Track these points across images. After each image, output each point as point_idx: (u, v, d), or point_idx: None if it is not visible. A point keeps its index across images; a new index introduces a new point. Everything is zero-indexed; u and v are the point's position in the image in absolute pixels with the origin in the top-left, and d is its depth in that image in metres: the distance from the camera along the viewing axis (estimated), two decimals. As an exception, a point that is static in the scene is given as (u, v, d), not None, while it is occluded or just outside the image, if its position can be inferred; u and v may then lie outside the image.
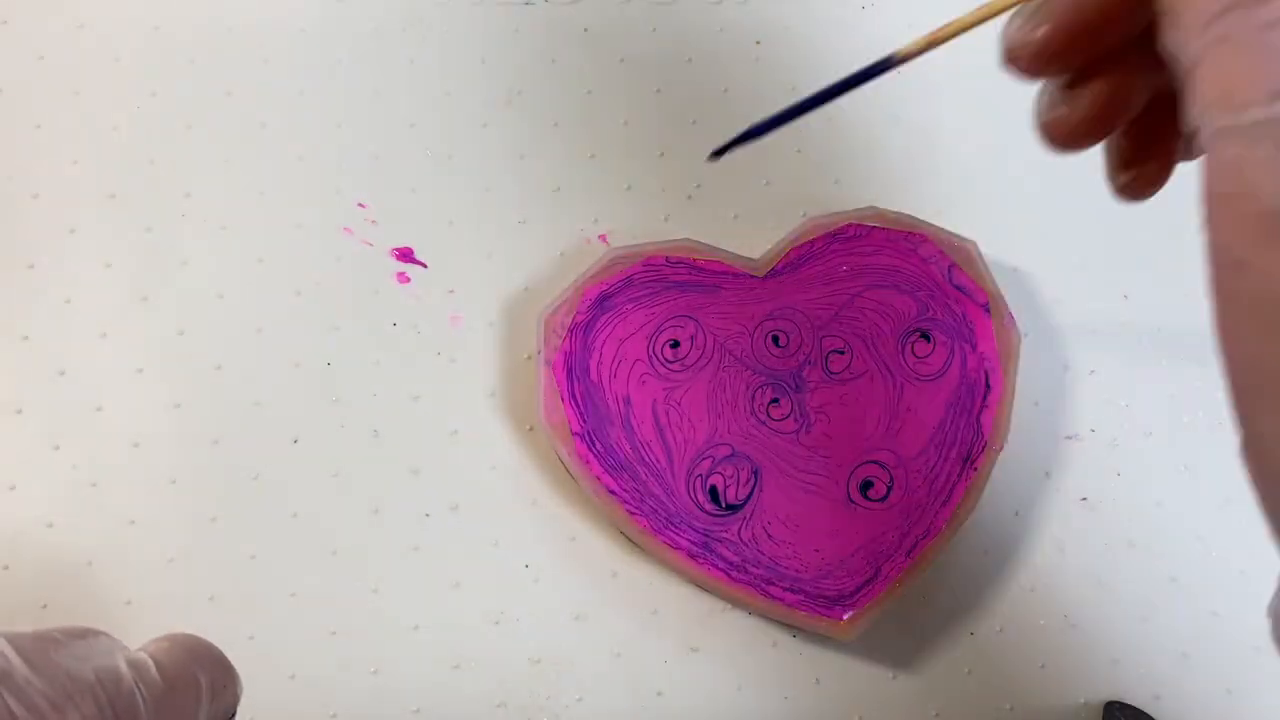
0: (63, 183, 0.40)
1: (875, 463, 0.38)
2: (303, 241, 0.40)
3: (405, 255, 0.40)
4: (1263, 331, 0.19)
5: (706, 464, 0.37)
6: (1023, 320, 0.40)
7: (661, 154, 0.42)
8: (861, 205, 0.40)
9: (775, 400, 0.38)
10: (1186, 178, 0.23)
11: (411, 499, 0.38)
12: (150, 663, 0.24)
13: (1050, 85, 0.25)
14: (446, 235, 0.40)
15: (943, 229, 0.39)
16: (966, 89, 0.42)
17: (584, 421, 0.37)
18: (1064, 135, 0.24)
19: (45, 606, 0.36)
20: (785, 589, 0.36)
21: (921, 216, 0.39)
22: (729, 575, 0.37)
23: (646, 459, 0.37)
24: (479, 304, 0.40)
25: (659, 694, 0.37)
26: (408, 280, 0.40)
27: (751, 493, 0.37)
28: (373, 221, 0.40)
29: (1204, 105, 0.19)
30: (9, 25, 0.41)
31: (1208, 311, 0.20)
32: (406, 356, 0.39)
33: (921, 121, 0.43)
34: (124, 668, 0.23)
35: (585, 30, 0.43)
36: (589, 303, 0.38)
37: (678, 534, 0.37)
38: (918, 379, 0.38)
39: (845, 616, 0.36)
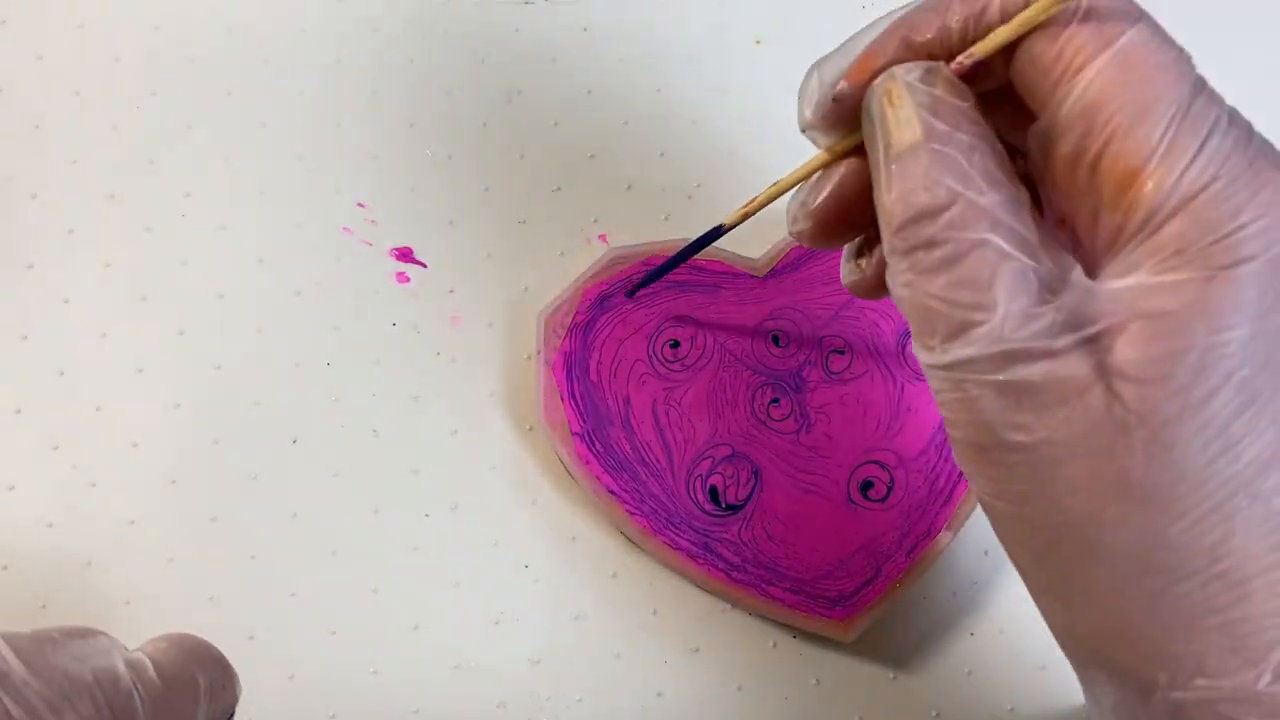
0: (62, 182, 0.40)
1: (876, 463, 0.38)
2: (302, 241, 0.40)
3: (405, 255, 0.40)
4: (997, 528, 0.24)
5: (706, 464, 0.37)
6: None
7: (661, 154, 0.42)
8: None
9: (775, 400, 0.38)
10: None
11: (411, 499, 0.38)
12: (148, 663, 0.24)
13: (846, 251, 0.29)
14: (446, 235, 0.40)
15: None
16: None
17: (584, 421, 0.37)
18: (866, 293, 0.28)
19: (44, 606, 0.36)
20: (785, 589, 0.36)
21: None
22: (729, 575, 0.36)
23: (646, 459, 0.37)
24: (479, 304, 0.40)
25: (659, 694, 0.37)
26: (407, 280, 0.40)
27: (751, 493, 0.37)
28: (372, 221, 0.40)
29: (913, 336, 0.23)
30: (8, 25, 0.41)
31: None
32: (406, 356, 0.39)
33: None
34: (122, 668, 0.23)
35: (585, 30, 0.43)
36: (589, 303, 0.38)
37: (678, 534, 0.37)
38: (918, 379, 0.38)
39: (845, 617, 0.36)
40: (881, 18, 0.25)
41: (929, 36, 0.24)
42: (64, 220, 0.39)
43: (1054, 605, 0.24)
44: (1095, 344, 0.21)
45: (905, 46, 0.24)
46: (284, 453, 0.38)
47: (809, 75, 0.26)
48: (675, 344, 0.38)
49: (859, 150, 0.26)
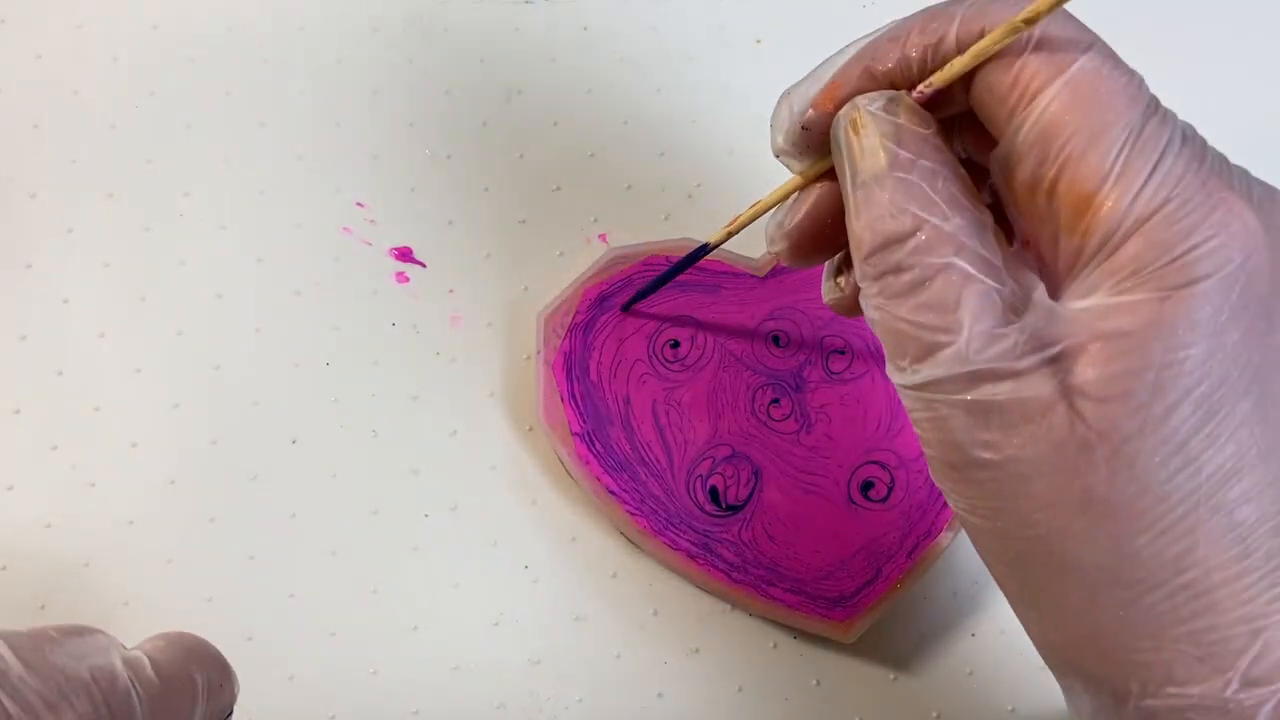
0: (61, 182, 0.40)
1: (876, 463, 0.38)
2: (302, 241, 0.40)
3: (404, 255, 0.40)
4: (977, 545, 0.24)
5: (706, 464, 0.37)
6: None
7: (661, 154, 0.42)
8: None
9: (775, 400, 0.38)
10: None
11: (411, 499, 0.38)
12: (146, 661, 0.24)
13: (826, 270, 0.30)
14: (446, 235, 0.40)
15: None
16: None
17: (584, 422, 0.37)
18: (846, 310, 0.29)
19: (43, 607, 0.36)
20: (786, 590, 0.36)
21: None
22: (729, 576, 0.36)
23: (646, 459, 0.37)
24: (479, 304, 0.40)
25: (659, 695, 0.37)
26: (407, 280, 0.40)
27: (752, 493, 0.37)
28: (372, 221, 0.40)
29: (886, 358, 0.24)
30: (7, 24, 0.41)
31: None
32: (406, 357, 0.39)
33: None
34: (119, 666, 0.23)
35: (585, 29, 0.43)
36: (589, 303, 0.38)
37: (678, 534, 0.37)
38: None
39: (846, 618, 0.36)
40: (849, 44, 0.25)
41: (889, 66, 0.25)
42: (63, 220, 0.39)
43: (1029, 615, 0.24)
44: (1057, 364, 0.22)
45: (868, 76, 0.25)
46: (283, 453, 0.38)
47: (779, 103, 0.27)
48: (675, 344, 0.38)
49: (831, 174, 0.27)
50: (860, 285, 0.24)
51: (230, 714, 0.27)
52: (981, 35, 0.23)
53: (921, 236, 0.23)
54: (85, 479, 0.37)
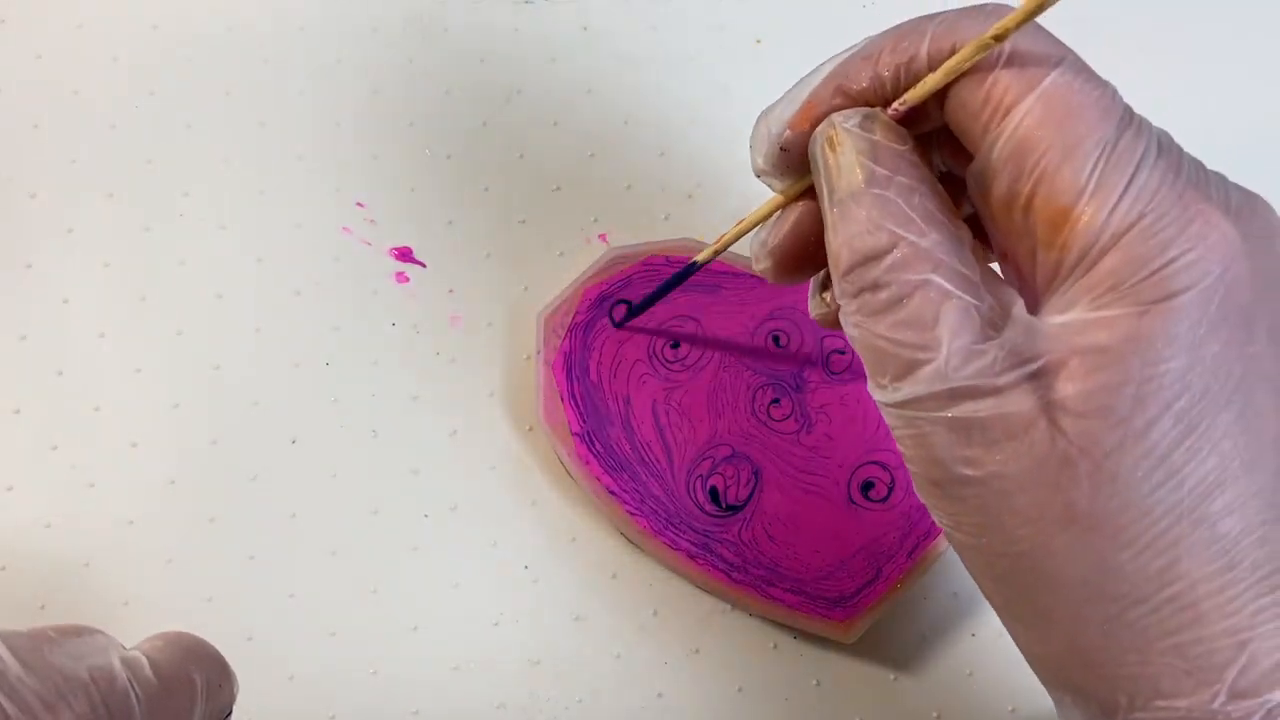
0: (61, 182, 0.40)
1: (876, 463, 0.38)
2: (301, 241, 0.40)
3: (404, 255, 0.40)
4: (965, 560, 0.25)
5: (707, 464, 0.37)
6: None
7: (661, 153, 0.42)
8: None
9: (776, 400, 0.38)
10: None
11: (411, 499, 0.38)
12: (145, 661, 0.24)
13: (812, 285, 0.30)
14: (446, 235, 0.40)
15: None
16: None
17: (584, 422, 0.37)
18: (832, 324, 0.28)
19: (43, 607, 0.36)
20: (786, 590, 0.36)
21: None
22: (729, 576, 0.36)
23: (646, 459, 0.37)
24: (479, 304, 0.40)
25: (659, 695, 0.37)
26: (407, 280, 0.40)
27: (752, 493, 0.37)
28: (371, 221, 0.40)
29: (868, 375, 0.24)
30: (7, 24, 0.41)
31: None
32: (406, 356, 0.39)
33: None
34: (118, 666, 0.23)
35: (585, 29, 0.43)
36: (589, 303, 0.38)
37: (678, 535, 0.37)
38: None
39: (846, 618, 0.36)
40: (823, 63, 0.25)
41: (863, 85, 0.24)
42: (63, 220, 0.39)
43: (1016, 629, 0.24)
44: (1038, 379, 0.22)
45: (843, 94, 0.25)
46: (283, 453, 0.38)
47: (757, 124, 0.27)
48: (675, 344, 0.38)
49: (812, 192, 0.26)
50: (839, 303, 0.24)
51: (230, 714, 0.27)
52: (953, 52, 0.23)
53: (898, 253, 0.23)
54: (85, 479, 0.37)
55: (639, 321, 0.38)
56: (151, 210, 0.40)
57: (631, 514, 0.37)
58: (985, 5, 0.24)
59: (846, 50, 0.25)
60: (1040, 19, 0.22)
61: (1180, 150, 0.23)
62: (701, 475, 0.37)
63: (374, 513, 0.38)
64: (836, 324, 0.29)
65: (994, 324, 0.22)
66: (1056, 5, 0.22)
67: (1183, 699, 0.21)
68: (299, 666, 0.36)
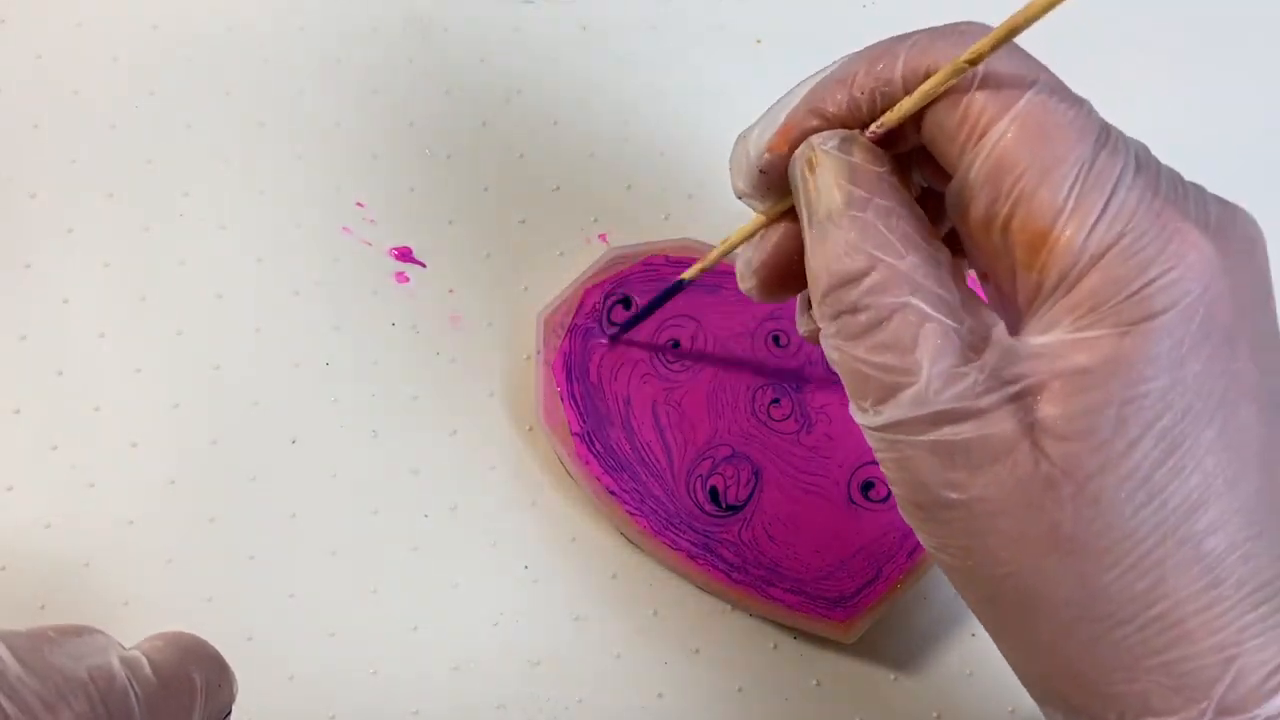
0: (61, 182, 0.40)
1: (876, 463, 0.38)
2: (301, 241, 0.40)
3: (404, 255, 0.40)
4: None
5: (707, 464, 0.37)
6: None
7: (661, 154, 0.42)
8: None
9: (776, 400, 0.38)
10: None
11: (411, 499, 0.38)
12: (144, 661, 0.24)
13: (800, 303, 0.30)
14: (446, 235, 0.40)
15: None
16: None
17: (584, 422, 0.37)
18: (819, 341, 0.28)
19: (43, 607, 0.36)
20: (786, 590, 0.36)
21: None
22: (729, 576, 0.36)
23: (646, 459, 0.37)
24: (479, 304, 0.40)
25: (659, 695, 0.37)
26: (407, 280, 0.40)
27: (752, 493, 0.37)
28: (371, 221, 0.40)
29: (849, 397, 0.24)
30: (7, 24, 0.41)
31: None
32: (406, 356, 0.39)
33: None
34: (117, 666, 0.23)
35: (585, 29, 0.43)
36: (587, 308, 0.38)
37: (678, 535, 0.37)
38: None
39: (846, 618, 0.36)
40: (800, 84, 0.25)
41: (840, 108, 0.25)
42: (62, 220, 0.39)
43: (1005, 646, 0.24)
44: (1019, 401, 0.22)
45: (820, 117, 0.25)
46: (283, 453, 0.38)
47: (736, 147, 0.27)
48: (676, 344, 0.38)
49: (793, 212, 0.26)
50: (819, 325, 0.24)
51: (229, 714, 0.27)
52: (927, 74, 0.23)
53: (876, 276, 0.23)
54: (85, 479, 0.37)
55: (636, 333, 0.38)
56: (151, 210, 0.40)
57: (631, 514, 0.37)
58: (959, 25, 0.24)
59: (821, 71, 0.25)
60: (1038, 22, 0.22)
61: (1158, 164, 0.23)
62: (701, 475, 0.37)
63: (374, 513, 0.38)
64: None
65: (974, 346, 0.22)
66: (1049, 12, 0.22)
67: (1172, 716, 0.22)
68: (299, 666, 0.36)
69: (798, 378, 0.38)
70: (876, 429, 0.23)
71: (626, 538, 0.37)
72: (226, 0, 0.42)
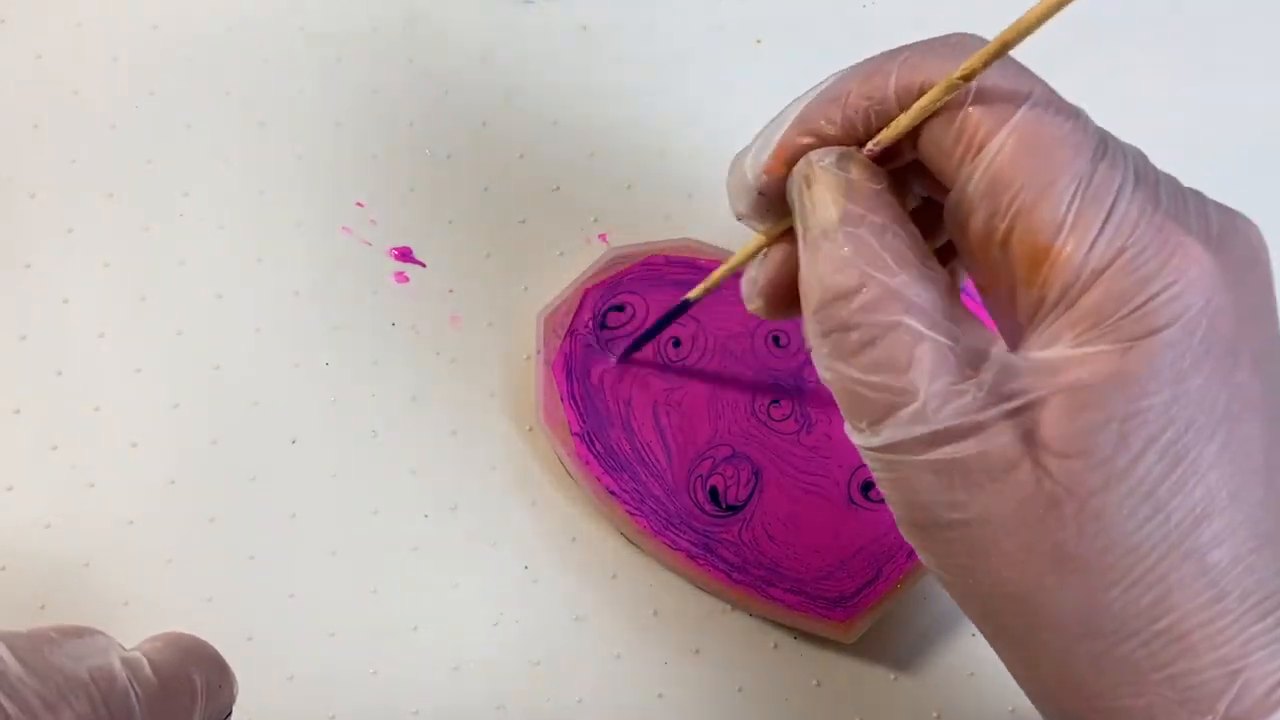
0: (61, 182, 0.40)
1: (876, 463, 0.38)
2: (301, 241, 0.40)
3: (404, 255, 0.40)
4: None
5: (707, 465, 0.37)
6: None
7: (661, 154, 0.42)
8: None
9: (776, 401, 0.38)
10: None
11: (411, 499, 0.38)
12: (145, 661, 0.24)
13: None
14: (446, 235, 0.40)
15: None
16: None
17: (584, 422, 0.37)
18: None
19: (43, 607, 0.36)
20: (786, 590, 0.36)
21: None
22: (729, 576, 0.36)
23: (646, 459, 0.37)
24: (479, 304, 0.40)
25: (659, 696, 0.37)
26: (406, 280, 0.40)
27: (752, 493, 0.37)
28: (372, 221, 0.40)
29: (844, 420, 0.24)
30: (6, 24, 0.41)
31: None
32: (405, 357, 0.39)
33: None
34: (118, 666, 0.23)
35: (585, 29, 0.43)
36: (586, 315, 0.38)
37: (678, 535, 0.37)
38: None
39: (846, 618, 0.36)
40: (793, 102, 0.25)
41: (835, 127, 0.24)
42: (62, 220, 0.39)
43: (1008, 659, 0.24)
44: (1019, 417, 0.22)
45: (815, 136, 0.25)
46: (283, 453, 0.38)
47: (733, 168, 0.27)
48: (677, 343, 0.38)
49: (793, 232, 0.26)
50: (812, 344, 0.24)
51: (230, 714, 0.27)
52: (921, 90, 0.23)
53: (868, 293, 0.22)
54: (85, 479, 0.37)
55: (635, 331, 0.38)
56: (151, 210, 0.40)
57: (631, 514, 0.37)
58: (950, 38, 0.24)
59: (813, 89, 0.25)
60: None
61: (1157, 173, 0.23)
62: (701, 475, 0.37)
63: (374, 513, 0.38)
64: None
65: (971, 363, 0.22)
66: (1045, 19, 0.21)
67: None
68: (299, 666, 0.36)
69: (798, 378, 0.38)
70: (874, 450, 0.23)
71: (626, 538, 0.37)
72: (226, 0, 0.42)
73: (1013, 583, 0.22)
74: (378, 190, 0.41)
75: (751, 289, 0.28)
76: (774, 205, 0.26)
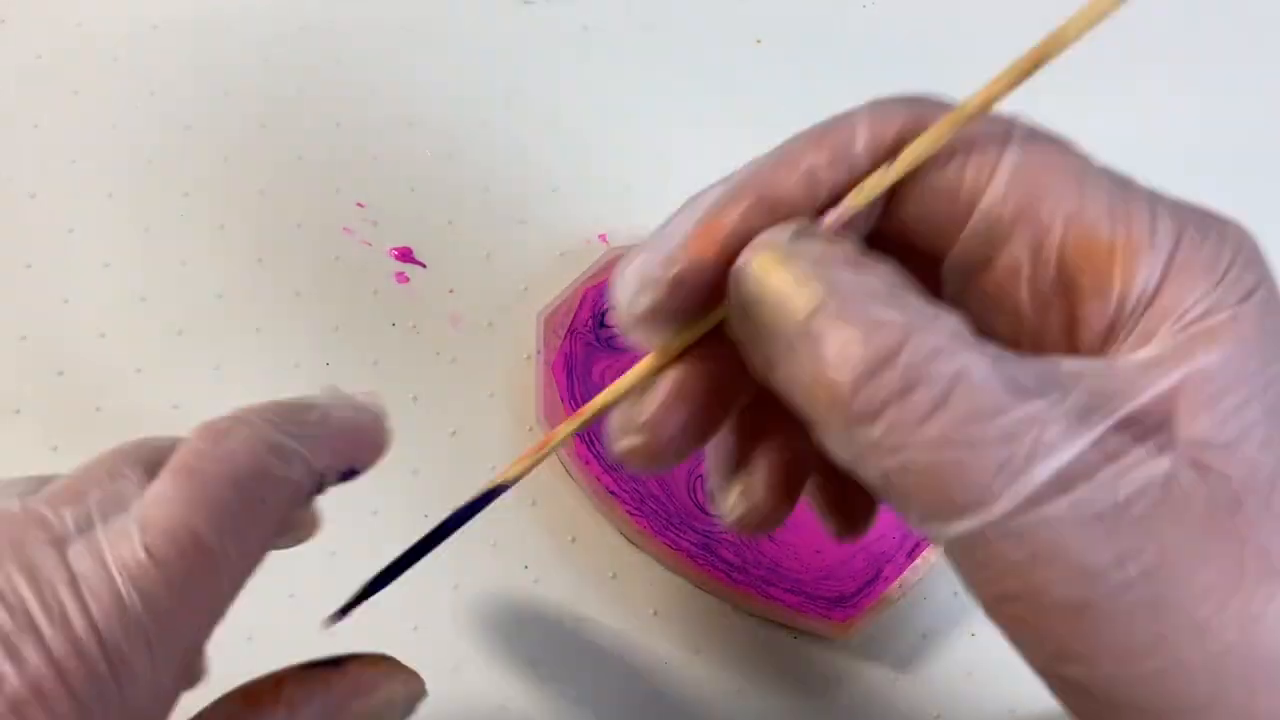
0: (61, 182, 0.40)
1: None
2: (302, 241, 0.40)
3: (404, 255, 0.40)
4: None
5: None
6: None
7: (661, 153, 0.42)
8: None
9: (776, 400, 0.38)
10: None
11: (411, 499, 0.38)
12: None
13: (714, 480, 0.26)
14: (446, 235, 0.40)
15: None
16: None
17: (584, 422, 0.37)
18: (763, 520, 0.26)
19: (43, 607, 0.36)
20: (786, 590, 0.36)
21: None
22: (729, 576, 0.36)
23: (646, 459, 0.37)
24: (479, 304, 0.40)
25: (660, 696, 0.37)
26: (407, 280, 0.40)
27: (752, 493, 0.37)
28: (372, 221, 0.40)
29: (921, 518, 0.19)
30: (7, 24, 0.41)
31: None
32: (406, 357, 0.39)
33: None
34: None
35: (585, 29, 0.43)
36: (585, 317, 0.38)
37: (678, 535, 0.37)
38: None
39: (846, 618, 0.36)
40: (694, 196, 0.22)
41: (784, 196, 0.21)
42: (63, 220, 0.39)
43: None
44: (1152, 426, 0.19)
45: (758, 210, 0.21)
46: (283, 453, 0.38)
47: (623, 272, 0.22)
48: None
49: (697, 347, 0.23)
50: (848, 451, 0.19)
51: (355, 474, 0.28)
52: (898, 141, 0.21)
53: (912, 347, 0.18)
54: (85, 479, 0.37)
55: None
56: (152, 210, 0.40)
57: (631, 514, 0.37)
58: (902, 97, 0.22)
59: (750, 163, 0.22)
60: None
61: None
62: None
63: (374, 513, 0.38)
64: (772, 516, 0.26)
65: (1059, 385, 0.19)
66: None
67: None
68: (299, 666, 0.36)
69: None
70: (992, 526, 0.18)
71: (626, 538, 0.37)
72: (227, 1, 0.42)
73: (1223, 631, 0.18)
74: (378, 190, 0.41)
75: (628, 425, 0.23)
76: (689, 305, 0.22)
